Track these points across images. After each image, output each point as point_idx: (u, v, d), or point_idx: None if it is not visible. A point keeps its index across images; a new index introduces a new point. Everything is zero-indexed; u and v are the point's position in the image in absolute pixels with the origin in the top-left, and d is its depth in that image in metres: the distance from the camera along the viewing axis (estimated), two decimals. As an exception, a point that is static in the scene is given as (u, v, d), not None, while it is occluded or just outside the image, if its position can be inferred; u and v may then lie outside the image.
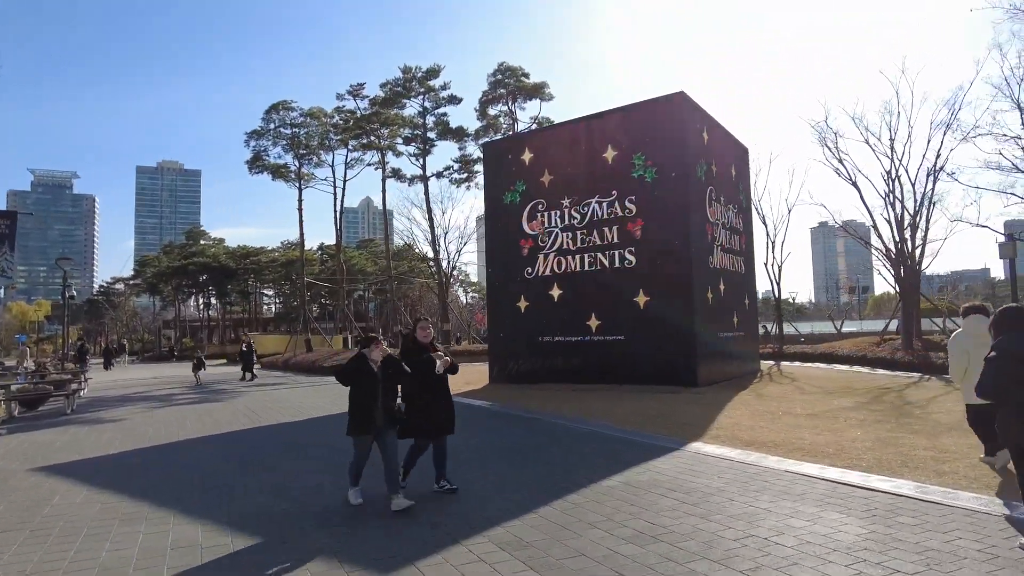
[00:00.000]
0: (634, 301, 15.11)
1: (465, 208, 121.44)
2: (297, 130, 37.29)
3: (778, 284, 25.95)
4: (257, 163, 37.29)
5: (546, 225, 16.87)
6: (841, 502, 5.19)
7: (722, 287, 16.68)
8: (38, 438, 10.27)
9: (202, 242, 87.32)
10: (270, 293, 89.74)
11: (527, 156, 17.43)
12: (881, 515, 4.82)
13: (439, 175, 35.96)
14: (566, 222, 16.49)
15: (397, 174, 36.83)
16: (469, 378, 19.29)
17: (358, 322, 52.37)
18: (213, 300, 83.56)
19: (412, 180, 36.59)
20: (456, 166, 35.95)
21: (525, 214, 17.28)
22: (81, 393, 18.60)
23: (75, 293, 41.45)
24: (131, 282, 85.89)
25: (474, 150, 36.26)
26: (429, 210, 33.93)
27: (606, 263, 15.72)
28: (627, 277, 15.34)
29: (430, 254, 39.25)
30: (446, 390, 6.04)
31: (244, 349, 25.24)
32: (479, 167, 36.56)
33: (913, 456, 6.76)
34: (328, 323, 58.76)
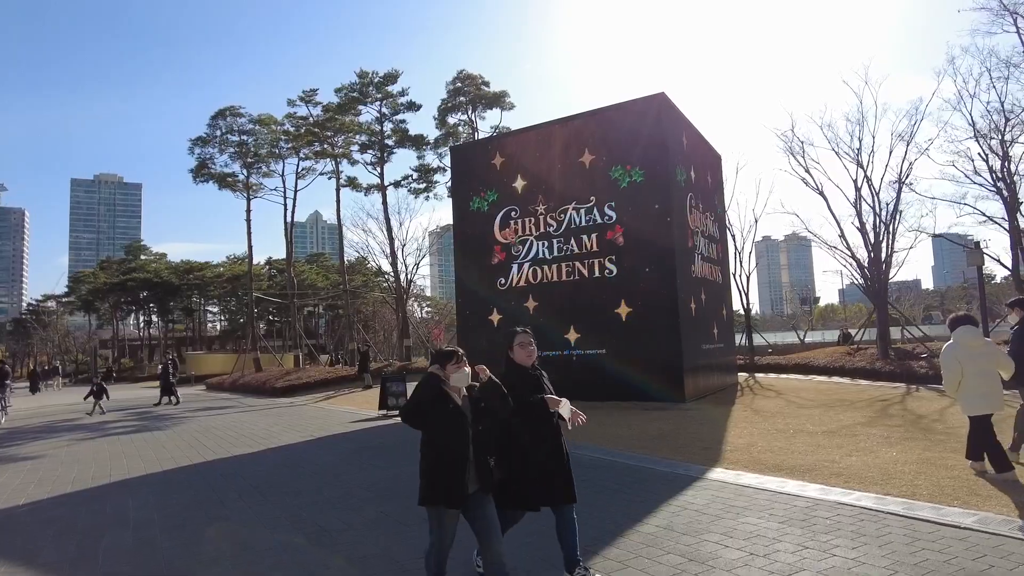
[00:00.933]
0: (615, 313, 14.24)
1: (423, 220, 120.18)
2: (246, 137, 35.45)
3: (746, 295, 25.65)
4: (202, 172, 35.23)
5: (520, 233, 15.90)
6: (936, 548, 4.31)
7: (703, 297, 16.01)
8: (-63, 482, 8.65)
9: (143, 257, 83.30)
10: (215, 310, 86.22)
11: (498, 160, 16.47)
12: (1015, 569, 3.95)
13: (397, 184, 34.61)
14: (541, 230, 15.56)
15: (353, 183, 35.33)
16: (437, 397, 18.10)
17: (309, 339, 50.27)
18: (155, 318, 79.68)
19: (369, 189, 35.15)
20: (415, 175, 34.75)
21: (497, 222, 16.28)
22: (0, 423, 16.62)
23: None
24: (64, 299, 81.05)
25: (433, 159, 35.21)
26: (387, 220, 32.60)
27: (585, 273, 14.83)
28: (608, 287, 14.47)
29: (386, 267, 37.86)
30: (559, 440, 4.26)
31: (162, 370, 23.53)
32: (439, 176, 35.54)
33: (975, 482, 5.99)
34: (277, 340, 56.35)
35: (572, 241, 15.07)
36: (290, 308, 43.09)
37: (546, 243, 15.45)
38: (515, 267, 15.88)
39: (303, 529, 5.53)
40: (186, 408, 20.11)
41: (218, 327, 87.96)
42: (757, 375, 20.49)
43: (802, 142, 22.40)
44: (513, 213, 16.05)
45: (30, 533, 5.69)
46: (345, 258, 39.10)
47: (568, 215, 15.16)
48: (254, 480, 7.80)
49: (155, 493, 7.31)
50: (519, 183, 16.01)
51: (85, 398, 19.52)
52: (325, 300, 61.54)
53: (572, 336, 14.76)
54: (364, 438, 11.53)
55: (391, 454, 9.46)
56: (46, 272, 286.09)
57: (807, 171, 21.59)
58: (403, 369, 25.43)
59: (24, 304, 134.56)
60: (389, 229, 32.47)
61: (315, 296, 60.94)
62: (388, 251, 34.08)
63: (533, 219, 15.69)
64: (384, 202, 32.89)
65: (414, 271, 38.38)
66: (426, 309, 78.14)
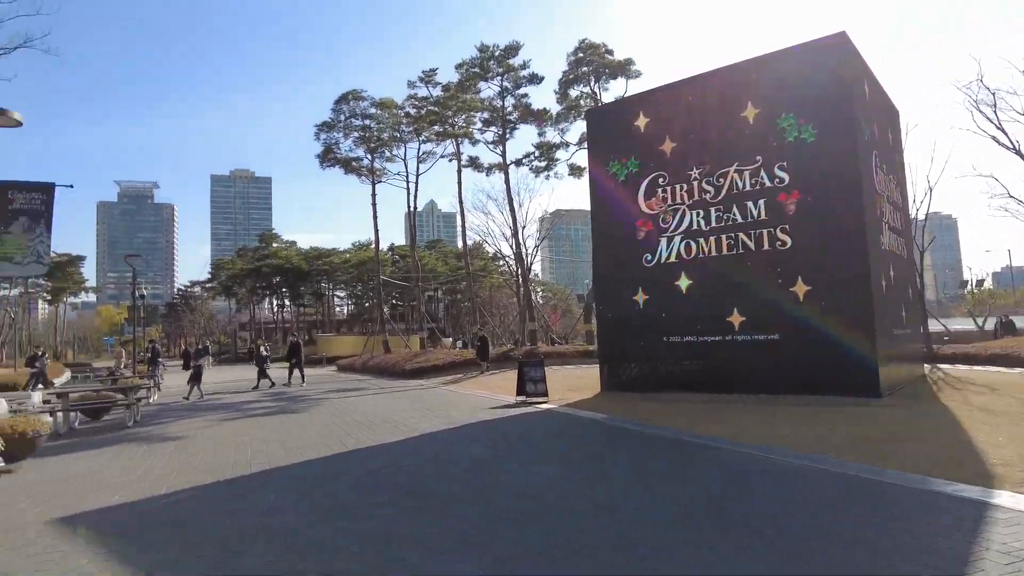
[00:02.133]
0: (791, 291, 12.20)
1: (543, 201, 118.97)
2: (368, 122, 35.71)
3: (921, 275, 22.29)
4: (328, 156, 35.91)
5: (669, 202, 14.15)
6: None
7: (892, 274, 13.59)
8: (80, 464, 8.37)
9: (275, 245, 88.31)
10: (343, 295, 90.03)
11: (642, 121, 14.75)
12: None
13: (519, 162, 33.52)
14: (696, 197, 13.73)
15: (474, 163, 34.67)
16: (573, 384, 16.81)
17: (429, 324, 50.74)
18: (287, 302, 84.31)
19: (490, 169, 34.32)
20: (536, 153, 33.45)
21: (642, 191, 14.61)
22: (151, 399, 17.14)
23: (145, 293, 41.41)
24: (207, 285, 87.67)
25: (554, 135, 33.76)
26: (510, 199, 31.53)
27: (751, 245, 12.86)
28: (780, 262, 12.44)
29: (506, 250, 37.01)
30: None
31: (255, 351, 23.57)
32: (560, 154, 34.09)
33: None
34: (400, 324, 57.50)
35: (734, 209, 13.13)
36: (414, 292, 43.52)
37: (701, 212, 13.61)
38: (664, 241, 14.17)
39: (490, 553, 4.32)
40: (320, 389, 20.11)
41: (345, 311, 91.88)
42: (941, 366, 17.56)
43: (992, 93, 18.96)
44: (661, 180, 14.31)
45: (163, 541, 4.88)
46: (466, 240, 38.62)
47: (729, 179, 13.23)
48: (403, 478, 6.79)
49: (297, 491, 6.46)
50: (667, 145, 14.24)
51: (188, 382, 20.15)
52: (446, 284, 62.14)
53: (736, 319, 12.88)
54: (508, 428, 10.40)
55: (545, 449, 8.23)
56: (193, 261, 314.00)
57: (999, 128, 18.16)
58: (528, 354, 24.38)
59: (175, 290, 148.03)
60: (512, 210, 31.45)
61: (435, 280, 61.65)
62: (508, 233, 33.16)
63: (685, 185, 13.88)
64: (507, 180, 31.88)
65: (535, 253, 37.37)
66: (540, 294, 77.49)
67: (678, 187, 14.01)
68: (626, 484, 6.27)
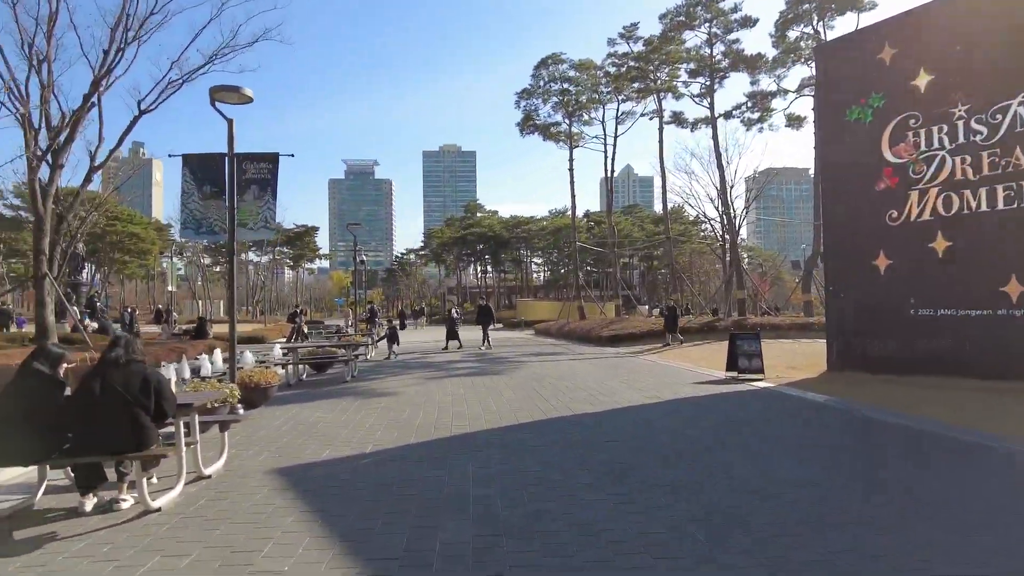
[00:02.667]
0: (1102, 254, 9.46)
1: (752, 160, 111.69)
2: (567, 85, 35.26)
3: None
4: (528, 123, 36.19)
5: (923, 148, 11.73)
6: None
7: None
8: (302, 415, 8.97)
9: (478, 214, 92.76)
10: (539, 261, 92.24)
11: (887, 53, 12.32)
12: None
13: (728, 115, 30.88)
14: (960, 140, 11.18)
15: (677, 119, 32.60)
16: (791, 360, 15.06)
17: (624, 291, 49.81)
18: (489, 268, 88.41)
19: (695, 124, 32.07)
20: (748, 103, 30.54)
21: (886, 136, 12.29)
22: (368, 356, 18.55)
23: (364, 259, 45.47)
24: (420, 252, 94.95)
25: (769, 83, 30.51)
26: (718, 155, 29.08)
27: (1041, 197, 10.19)
28: (1086, 217, 9.70)
29: (710, 212, 34.56)
30: None
31: (448, 314, 24.11)
32: (776, 103, 30.84)
33: None
34: (594, 290, 57.24)
35: (1016, 153, 10.46)
36: (609, 257, 42.82)
37: (968, 158, 11.07)
38: (914, 195, 11.82)
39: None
40: (519, 352, 20.38)
41: (542, 277, 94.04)
42: None
43: None
44: (912, 121, 11.89)
45: (363, 507, 4.79)
46: (667, 202, 36.85)
47: (1010, 114, 10.54)
48: (609, 458, 6.18)
49: (499, 460, 6.15)
50: (922, 79, 11.75)
51: (377, 341, 21.59)
52: (642, 250, 60.48)
53: (1013, 289, 10.35)
54: (724, 408, 9.33)
55: (775, 436, 7.09)
56: (409, 231, 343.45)
57: None
58: (739, 325, 22.51)
59: (392, 257, 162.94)
60: (720, 167, 29.01)
61: (631, 246, 60.30)
62: (713, 193, 30.86)
63: (946, 126, 11.37)
64: (714, 135, 29.42)
65: (743, 215, 34.58)
66: (747, 260, 72.63)
67: (935, 129, 11.53)
68: (906, 496, 4.95)
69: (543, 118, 36.19)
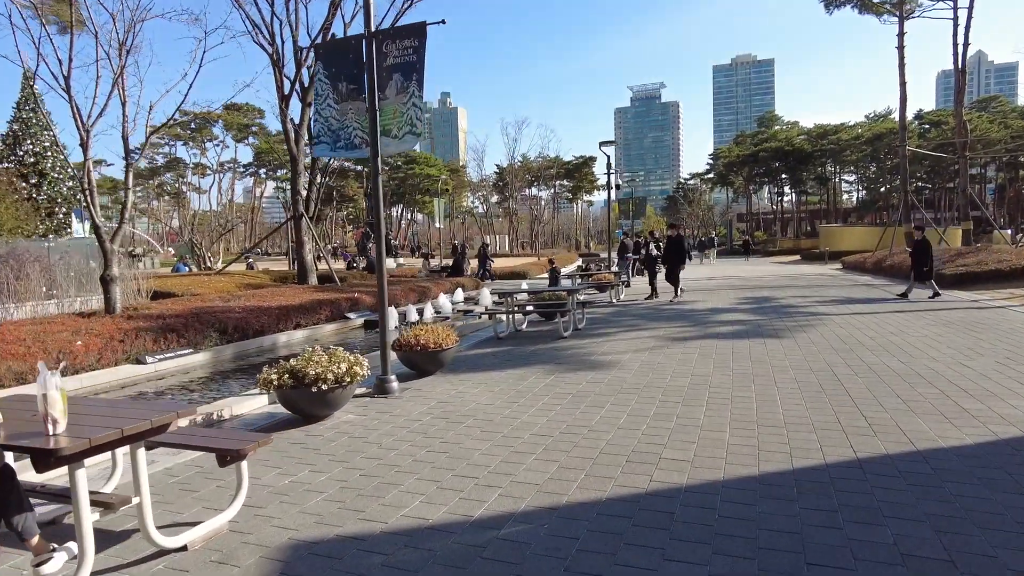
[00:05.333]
0: None
1: None
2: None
3: None
4: (836, -3, 28.12)
5: None
6: None
7: None
8: (460, 400, 6.25)
9: (775, 128, 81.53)
10: (851, 179, 78.41)
11: None
12: None
13: None
14: None
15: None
16: None
17: (973, 211, 38.19)
18: (787, 189, 77.83)
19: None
20: None
21: None
22: (615, 299, 15.44)
23: (619, 183, 41.82)
24: (705, 176, 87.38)
25: None
26: None
27: None
28: None
29: None
30: None
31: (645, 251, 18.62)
32: None
33: None
34: (928, 211, 45.41)
35: None
36: (949, 169, 32.44)
37: None
38: None
39: None
40: (815, 297, 15.27)
41: (855, 198, 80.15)
42: None
43: None
44: None
45: None
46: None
47: None
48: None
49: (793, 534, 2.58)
50: None
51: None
52: (1005, 156, 45.68)
53: None
54: None
55: None
56: (696, 156, 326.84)
57: None
58: None
59: (676, 184, 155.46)
60: None
61: (987, 151, 46.03)
62: None
63: None
64: None
65: None
66: None
67: None
68: None
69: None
